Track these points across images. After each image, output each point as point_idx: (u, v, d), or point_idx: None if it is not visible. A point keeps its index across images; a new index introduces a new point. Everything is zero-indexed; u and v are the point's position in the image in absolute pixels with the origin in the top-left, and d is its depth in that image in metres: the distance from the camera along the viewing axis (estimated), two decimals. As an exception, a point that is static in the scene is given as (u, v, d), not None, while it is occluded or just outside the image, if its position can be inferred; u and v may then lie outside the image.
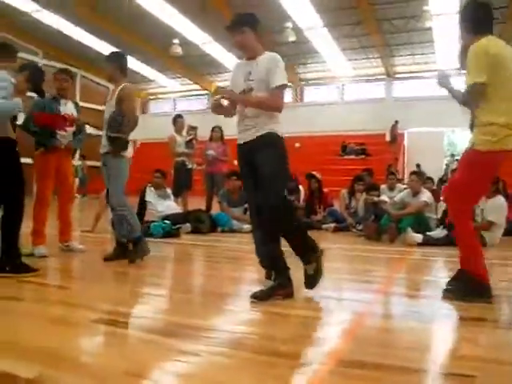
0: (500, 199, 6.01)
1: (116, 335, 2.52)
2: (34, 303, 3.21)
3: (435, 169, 17.39)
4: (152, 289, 3.73)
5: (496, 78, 3.01)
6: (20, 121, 4.73)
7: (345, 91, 24.20)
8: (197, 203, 8.22)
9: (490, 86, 3.02)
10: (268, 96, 3.27)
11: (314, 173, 8.52)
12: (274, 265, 3.37)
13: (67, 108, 5.06)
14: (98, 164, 4.85)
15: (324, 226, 7.75)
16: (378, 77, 23.08)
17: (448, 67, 20.96)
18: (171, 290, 3.84)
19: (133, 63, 21.67)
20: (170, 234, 6.42)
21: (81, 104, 5.73)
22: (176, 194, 7.80)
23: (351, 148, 21.08)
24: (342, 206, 7.90)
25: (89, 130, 5.52)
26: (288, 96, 25.16)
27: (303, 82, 24.85)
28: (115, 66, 4.68)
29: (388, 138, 20.86)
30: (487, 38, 3.08)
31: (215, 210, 7.93)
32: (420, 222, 6.34)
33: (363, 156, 20.51)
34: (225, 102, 3.35)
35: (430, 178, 9.49)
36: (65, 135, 5.03)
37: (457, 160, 20.25)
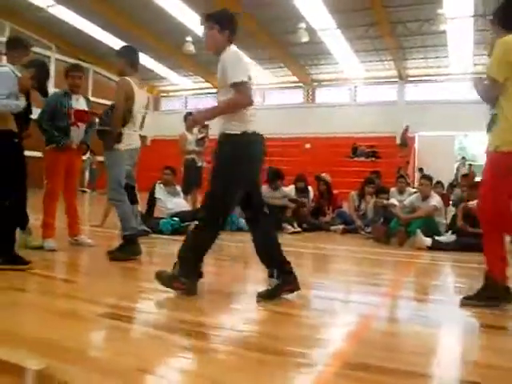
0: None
1: (122, 330, 2.53)
2: (40, 296, 3.23)
3: (446, 173, 17.28)
4: (159, 285, 3.73)
5: None
6: (34, 115, 4.77)
7: (357, 93, 24.12)
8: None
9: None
10: (226, 99, 3.19)
11: (322, 175, 8.51)
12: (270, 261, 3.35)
13: (79, 103, 5.07)
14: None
15: (332, 227, 7.74)
16: (391, 79, 22.98)
17: (461, 71, 20.99)
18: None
19: (145, 60, 21.76)
20: (179, 231, 6.43)
21: (93, 99, 5.77)
22: (186, 192, 7.80)
23: (362, 150, 21.00)
24: (351, 208, 7.88)
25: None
26: (299, 97, 25.17)
27: (315, 83, 24.80)
28: (125, 60, 4.67)
29: (398, 142, 20.77)
30: None
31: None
32: (429, 226, 6.30)
33: (373, 158, 20.44)
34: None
35: (440, 183, 9.45)
36: (77, 131, 5.05)
37: (469, 164, 20.13)
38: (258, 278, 4.28)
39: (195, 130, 8.44)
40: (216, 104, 3.35)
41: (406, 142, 20.36)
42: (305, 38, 18.29)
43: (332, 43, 20.02)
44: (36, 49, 15.42)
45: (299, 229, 7.46)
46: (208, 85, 25.60)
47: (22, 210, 4.62)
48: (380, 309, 3.21)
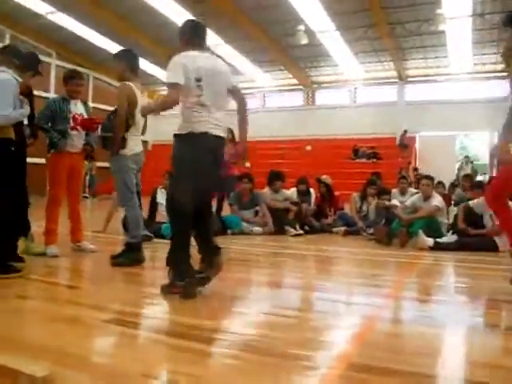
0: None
1: (127, 335, 2.53)
2: (44, 302, 3.23)
3: (447, 173, 17.25)
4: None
5: None
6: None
7: (357, 94, 24.11)
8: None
9: None
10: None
11: (322, 177, 8.52)
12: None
13: (77, 108, 5.07)
14: (107, 165, 4.86)
15: (334, 229, 7.73)
16: (390, 80, 22.98)
17: (461, 71, 20.99)
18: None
19: (146, 65, 21.78)
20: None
21: (93, 105, 5.78)
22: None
23: (363, 152, 20.99)
24: (353, 210, 7.87)
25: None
26: (300, 99, 25.18)
27: (315, 85, 24.81)
28: (124, 64, 4.65)
29: (397, 143, 20.78)
30: None
31: (226, 212, 7.94)
32: (431, 227, 6.30)
33: (375, 160, 20.43)
34: None
35: (441, 183, 9.44)
36: (77, 135, 5.06)
37: (471, 162, 20.06)
38: (261, 281, 4.29)
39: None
40: None
41: (405, 145, 20.37)
42: (304, 41, 18.30)
43: (331, 45, 20.02)
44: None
45: (301, 231, 7.46)
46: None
47: (23, 218, 4.64)
48: (383, 310, 3.21)
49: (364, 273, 4.74)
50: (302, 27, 18.01)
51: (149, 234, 6.11)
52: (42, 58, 17.54)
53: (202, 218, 3.45)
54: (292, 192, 8.17)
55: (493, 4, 15.54)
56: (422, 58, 20.73)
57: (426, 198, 6.65)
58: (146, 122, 4.91)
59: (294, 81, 24.32)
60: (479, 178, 18.17)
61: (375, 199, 7.40)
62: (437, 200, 6.61)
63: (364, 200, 7.80)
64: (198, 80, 3.32)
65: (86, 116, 5.12)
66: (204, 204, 3.48)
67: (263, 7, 17.05)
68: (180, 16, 18.26)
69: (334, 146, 21.82)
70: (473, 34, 17.26)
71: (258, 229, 7.36)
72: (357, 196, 7.92)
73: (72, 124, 4.97)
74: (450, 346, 2.56)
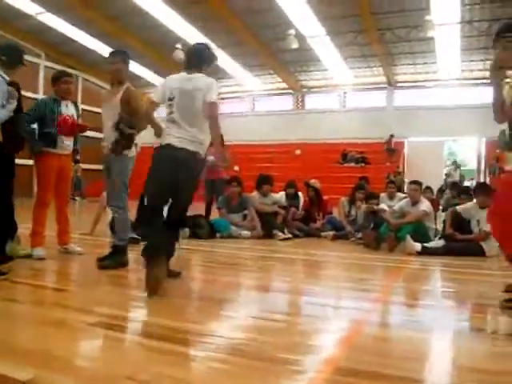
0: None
1: (113, 339, 2.51)
2: (30, 305, 3.20)
3: (435, 178, 17.38)
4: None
5: None
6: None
7: (346, 99, 24.23)
8: (196, 209, 8.21)
9: None
10: None
11: (311, 182, 8.53)
12: None
13: (68, 109, 5.02)
14: (94, 167, 4.82)
15: (323, 233, 7.74)
16: (379, 85, 23.13)
17: (449, 77, 21.18)
18: (168, 295, 3.83)
19: (135, 67, 21.71)
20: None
21: (82, 107, 5.72)
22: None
23: (352, 156, 21.11)
24: (342, 214, 7.89)
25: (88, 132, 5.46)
26: (289, 103, 25.26)
27: (305, 90, 24.89)
28: (127, 66, 4.64)
29: (385, 147, 20.93)
30: None
31: (214, 215, 7.92)
32: (419, 232, 6.33)
33: (363, 164, 20.54)
34: None
35: (429, 188, 9.50)
36: (67, 138, 5.02)
37: (459, 168, 20.20)
38: (249, 285, 4.28)
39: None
40: None
41: (392, 149, 20.52)
42: (294, 45, 18.36)
43: (321, 50, 20.12)
44: (26, 56, 15.37)
45: (290, 235, 7.46)
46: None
47: (9, 219, 4.59)
48: (371, 314, 3.22)
49: (352, 277, 4.75)
50: (292, 32, 18.07)
51: (136, 236, 6.08)
52: (31, 58, 17.34)
53: (168, 215, 3.93)
54: (281, 196, 8.16)
55: (481, 11, 15.71)
56: (410, 64, 20.90)
57: (414, 202, 6.68)
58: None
59: (284, 85, 24.39)
60: (467, 183, 18.32)
61: (364, 203, 7.42)
62: (425, 205, 6.65)
63: (352, 204, 7.82)
64: (170, 99, 3.79)
65: (75, 117, 5.07)
66: (160, 203, 3.91)
67: (254, 11, 17.10)
68: (170, 18, 18.29)
69: (323, 151, 21.91)
70: (461, 40, 17.44)
71: (246, 232, 7.35)
72: (345, 200, 7.94)
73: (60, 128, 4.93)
74: (437, 351, 2.57)
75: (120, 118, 4.43)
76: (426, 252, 5.91)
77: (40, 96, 16.39)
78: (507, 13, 14.90)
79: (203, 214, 7.91)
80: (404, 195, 7.87)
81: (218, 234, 7.19)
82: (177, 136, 3.72)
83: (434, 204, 7.67)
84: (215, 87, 3.82)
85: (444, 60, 19.61)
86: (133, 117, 4.44)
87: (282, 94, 25.21)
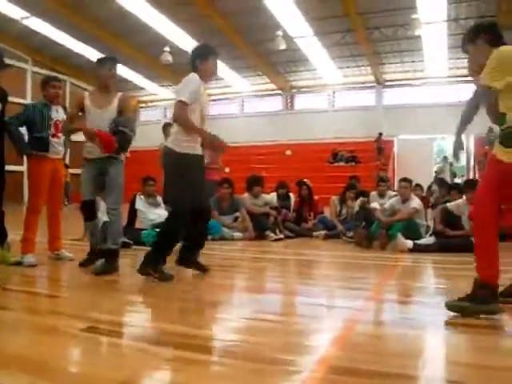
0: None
1: (106, 344, 2.50)
2: (21, 312, 3.17)
3: (425, 175, 17.45)
4: (142, 297, 3.71)
5: None
6: None
7: (335, 99, 24.31)
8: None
9: None
10: None
11: (304, 180, 8.55)
12: None
13: (59, 114, 5.01)
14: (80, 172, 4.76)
15: (314, 233, 7.76)
16: (368, 84, 23.23)
17: (436, 75, 21.30)
18: (162, 298, 3.82)
19: (124, 71, 21.64)
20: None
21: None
22: (166, 202, 7.75)
23: (342, 155, 21.17)
24: (333, 213, 7.91)
25: (78, 137, 5.42)
26: (279, 104, 25.29)
27: (294, 90, 24.94)
28: (116, 70, 4.65)
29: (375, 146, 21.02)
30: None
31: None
32: (410, 229, 6.37)
33: (353, 163, 20.61)
34: None
35: (419, 185, 9.54)
36: (59, 142, 5.00)
37: (451, 165, 20.19)
38: (242, 286, 4.28)
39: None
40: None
41: (381, 149, 20.61)
42: (282, 46, 18.38)
43: (309, 50, 20.16)
44: (12, 61, 15.25)
45: (282, 236, 7.47)
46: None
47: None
48: (364, 313, 3.23)
49: (345, 276, 4.76)
50: (280, 33, 18.09)
51: (127, 240, 6.06)
52: (18, 64, 17.23)
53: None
54: (272, 197, 8.17)
55: (467, 9, 15.83)
56: (398, 63, 21.00)
57: (405, 200, 6.72)
58: None
59: (273, 86, 24.43)
60: (457, 180, 18.40)
61: (357, 201, 7.45)
62: (415, 202, 6.69)
63: (343, 204, 7.85)
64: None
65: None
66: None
67: (241, 13, 17.10)
68: (158, 21, 18.24)
69: (313, 151, 21.95)
70: (448, 38, 17.55)
71: (238, 234, 7.35)
72: (336, 199, 7.97)
73: (53, 131, 4.91)
74: (431, 347, 2.58)
75: (119, 122, 4.46)
76: (417, 249, 5.95)
77: (27, 102, 16.28)
78: (492, 10, 15.04)
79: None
80: (394, 193, 7.91)
81: (209, 237, 7.16)
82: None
83: (425, 201, 7.71)
84: (183, 85, 4.01)
85: (431, 58, 19.73)
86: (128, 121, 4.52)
87: (272, 94, 25.25)
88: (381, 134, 20.80)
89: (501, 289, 3.06)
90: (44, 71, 18.59)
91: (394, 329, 2.82)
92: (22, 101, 15.69)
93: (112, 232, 4.53)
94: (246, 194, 7.87)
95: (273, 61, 21.63)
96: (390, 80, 22.79)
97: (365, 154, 20.84)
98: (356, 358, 2.23)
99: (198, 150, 4.17)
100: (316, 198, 8.57)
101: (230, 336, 2.67)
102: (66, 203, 18.05)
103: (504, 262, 3.05)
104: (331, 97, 24.27)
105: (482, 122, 3.46)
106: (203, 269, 4.39)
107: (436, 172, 19.95)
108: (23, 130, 4.89)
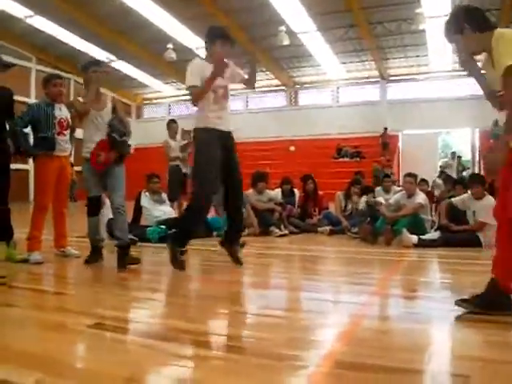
0: (490, 200, 5.97)
1: (113, 340, 2.51)
2: (29, 309, 3.19)
3: (430, 170, 17.42)
4: (148, 293, 3.72)
5: None
6: None
7: (339, 94, 24.26)
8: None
9: None
10: None
11: (310, 174, 8.55)
12: None
13: (62, 112, 5.02)
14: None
15: (319, 229, 7.76)
16: (372, 79, 23.16)
17: (441, 69, 21.21)
18: (168, 294, 3.84)
19: (128, 69, 21.67)
20: (166, 238, 6.39)
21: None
22: (171, 199, 7.78)
23: (346, 151, 21.13)
24: (338, 209, 7.91)
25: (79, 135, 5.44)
26: (282, 99, 25.26)
27: (298, 86, 24.90)
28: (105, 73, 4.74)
29: (380, 141, 20.97)
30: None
31: (210, 213, 7.91)
32: (415, 224, 6.35)
33: (358, 159, 20.57)
34: None
35: (425, 180, 9.53)
36: (65, 140, 5.02)
37: (459, 157, 20.07)
38: (247, 282, 4.29)
39: (178, 136, 8.44)
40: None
41: (386, 144, 20.56)
42: (286, 42, 18.37)
43: (313, 45, 20.13)
44: (16, 60, 15.28)
45: (286, 231, 7.47)
46: (191, 91, 25.56)
47: (6, 224, 4.59)
48: (370, 308, 3.23)
49: (350, 271, 4.76)
50: (283, 28, 18.07)
51: (133, 237, 6.08)
52: (22, 62, 17.30)
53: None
54: (276, 192, 8.17)
55: (471, 3, 15.67)
56: (402, 57, 20.93)
57: (410, 195, 6.71)
58: None
59: (277, 82, 24.40)
60: (465, 174, 18.30)
61: (363, 197, 7.44)
62: (420, 197, 6.67)
63: (348, 199, 7.84)
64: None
65: (69, 119, 5.06)
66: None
67: (244, 9, 17.08)
68: (161, 18, 18.22)
69: (317, 146, 21.94)
70: (452, 32, 17.43)
71: (243, 230, 7.35)
72: (341, 195, 7.96)
73: (58, 129, 4.92)
74: (436, 341, 2.58)
75: (117, 125, 4.52)
76: (422, 244, 5.93)
77: (32, 100, 16.33)
78: (497, 4, 14.94)
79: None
80: (399, 188, 7.90)
81: (214, 233, 7.18)
82: None
83: (430, 196, 7.70)
84: (187, 71, 4.31)
85: (436, 52, 19.65)
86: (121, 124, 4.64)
87: (275, 90, 25.22)
88: (386, 128, 20.75)
89: None
90: (48, 69, 18.63)
91: (399, 323, 2.82)
92: (26, 99, 15.74)
93: (120, 228, 4.62)
94: (250, 190, 7.87)
95: (276, 56, 21.59)
96: (394, 75, 22.72)
97: (369, 150, 20.80)
98: (362, 352, 2.23)
99: (221, 126, 4.46)
100: (321, 193, 8.56)
101: (236, 332, 2.68)
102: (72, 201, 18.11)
103: None
104: (335, 92, 24.23)
105: (488, 116, 3.43)
106: (239, 261, 4.66)
107: (441, 167, 19.90)
108: (27, 129, 4.91)
